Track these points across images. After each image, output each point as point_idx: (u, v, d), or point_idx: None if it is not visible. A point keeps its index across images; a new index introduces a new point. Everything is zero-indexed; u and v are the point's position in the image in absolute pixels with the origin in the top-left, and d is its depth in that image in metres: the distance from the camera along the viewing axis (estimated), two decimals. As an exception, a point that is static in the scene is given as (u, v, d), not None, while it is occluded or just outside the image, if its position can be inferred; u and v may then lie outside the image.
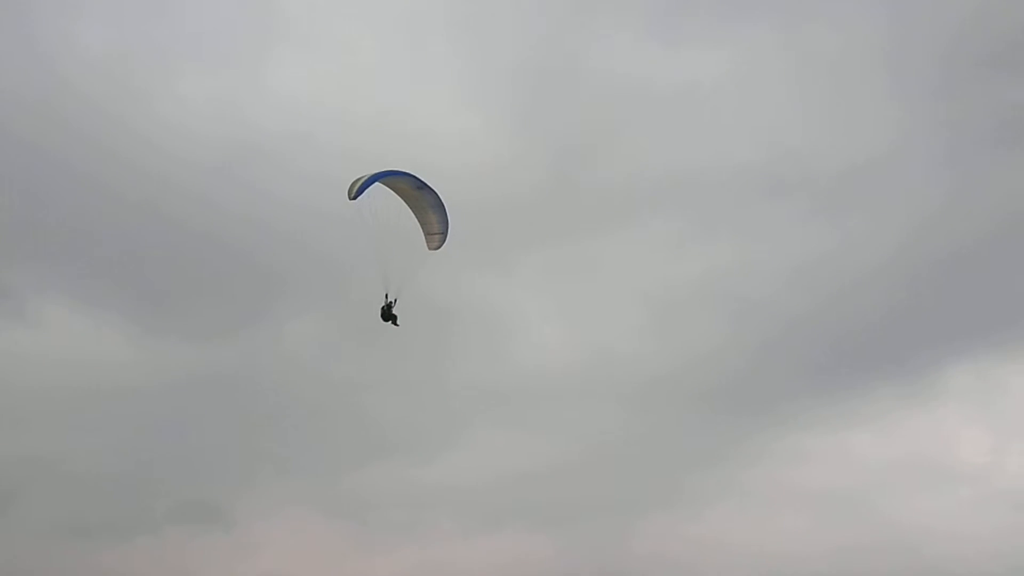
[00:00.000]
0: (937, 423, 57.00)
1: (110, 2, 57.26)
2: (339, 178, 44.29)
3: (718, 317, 60.14)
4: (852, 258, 59.80)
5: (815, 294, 58.82)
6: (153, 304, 56.19)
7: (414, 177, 40.56)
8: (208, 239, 54.86)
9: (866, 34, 63.52)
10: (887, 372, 57.30)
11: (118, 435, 53.89)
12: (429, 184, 41.34)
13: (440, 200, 42.29)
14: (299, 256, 56.01)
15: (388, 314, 42.10)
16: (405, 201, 42.16)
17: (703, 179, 60.12)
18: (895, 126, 61.19)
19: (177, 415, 55.25)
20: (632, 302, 60.22)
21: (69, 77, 52.34)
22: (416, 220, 43.41)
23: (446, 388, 59.10)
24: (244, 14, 61.26)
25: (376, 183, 40.05)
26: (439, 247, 44.12)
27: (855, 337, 57.89)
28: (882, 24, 63.67)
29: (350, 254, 50.20)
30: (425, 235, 43.97)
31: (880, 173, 60.37)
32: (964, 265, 58.07)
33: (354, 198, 38.64)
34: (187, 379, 56.03)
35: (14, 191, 52.26)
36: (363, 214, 39.29)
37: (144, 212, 54.52)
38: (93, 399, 54.00)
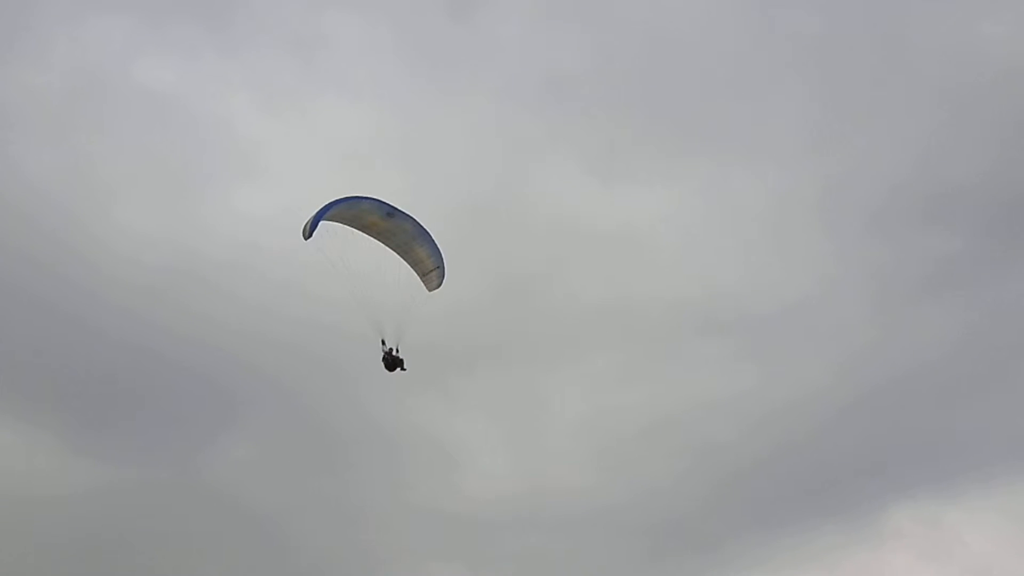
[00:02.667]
0: (882, 564, 57.26)
1: (50, 126, 56.70)
2: (280, 304, 52.69)
3: (662, 452, 59.98)
4: (789, 396, 59.94)
5: (756, 431, 59.06)
6: (86, 423, 54.06)
7: (377, 201, 34.14)
8: (143, 359, 53.72)
9: (801, 181, 65.11)
10: (832, 512, 57.76)
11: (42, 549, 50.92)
12: (401, 209, 34.63)
13: (422, 227, 35.61)
14: (240, 379, 55.12)
15: (393, 362, 35.18)
16: (382, 241, 35.65)
17: (643, 314, 60.95)
18: (827, 269, 62.87)
19: (104, 531, 52.19)
20: (575, 434, 59.96)
21: (6, 196, 52.16)
22: (404, 262, 36.58)
23: (388, 514, 57.18)
24: (187, 142, 60.08)
25: (334, 218, 33.88)
26: (440, 285, 37.11)
27: (800, 476, 58.41)
28: (818, 173, 65.06)
29: (292, 376, 53.28)
30: (420, 276, 37.11)
31: (814, 314, 61.50)
32: (904, 406, 59.69)
33: (308, 237, 32.38)
34: (116, 497, 53.37)
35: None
36: (327, 255, 32.90)
37: (79, 330, 53.00)
38: (22, 509, 51.67)
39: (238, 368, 55.28)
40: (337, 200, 33.46)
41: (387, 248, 36.24)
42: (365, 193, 33.57)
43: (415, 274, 37.33)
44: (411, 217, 35.56)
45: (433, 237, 36.41)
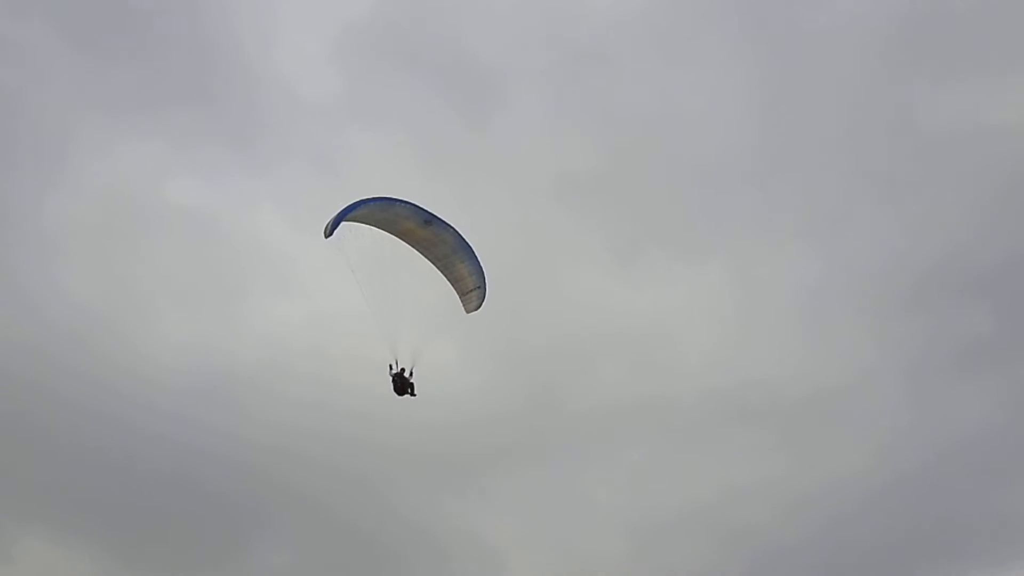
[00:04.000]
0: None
1: (92, 249, 59.99)
2: (313, 416, 53.21)
3: (698, 539, 59.08)
4: (823, 480, 59.20)
5: (791, 517, 58.14)
6: (131, 537, 54.87)
7: (413, 206, 30.66)
8: (187, 474, 54.39)
9: (828, 265, 64.32)
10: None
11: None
12: (440, 217, 31.16)
13: (463, 240, 32.00)
14: (276, 492, 55.71)
15: (403, 384, 31.44)
16: (419, 251, 32.13)
17: (675, 406, 60.89)
18: (858, 352, 62.22)
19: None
20: (613, 526, 59.55)
21: (52, 316, 54.87)
22: (444, 278, 32.99)
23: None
24: (219, 256, 62.26)
25: (365, 219, 30.64)
26: (480, 306, 33.38)
27: (835, 561, 57.13)
28: (844, 256, 64.42)
29: (327, 481, 53.70)
30: (459, 295, 33.41)
31: (847, 398, 60.63)
32: (942, 488, 57.98)
33: (329, 235, 29.17)
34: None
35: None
36: (347, 256, 29.62)
37: (127, 448, 54.48)
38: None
39: (273, 475, 55.93)
40: (367, 199, 30.14)
41: (424, 258, 32.78)
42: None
43: (455, 294, 33.83)
44: (451, 227, 31.99)
45: (475, 251, 32.81)
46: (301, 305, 61.27)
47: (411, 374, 32.31)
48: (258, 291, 62.41)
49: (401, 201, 30.74)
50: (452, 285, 33.45)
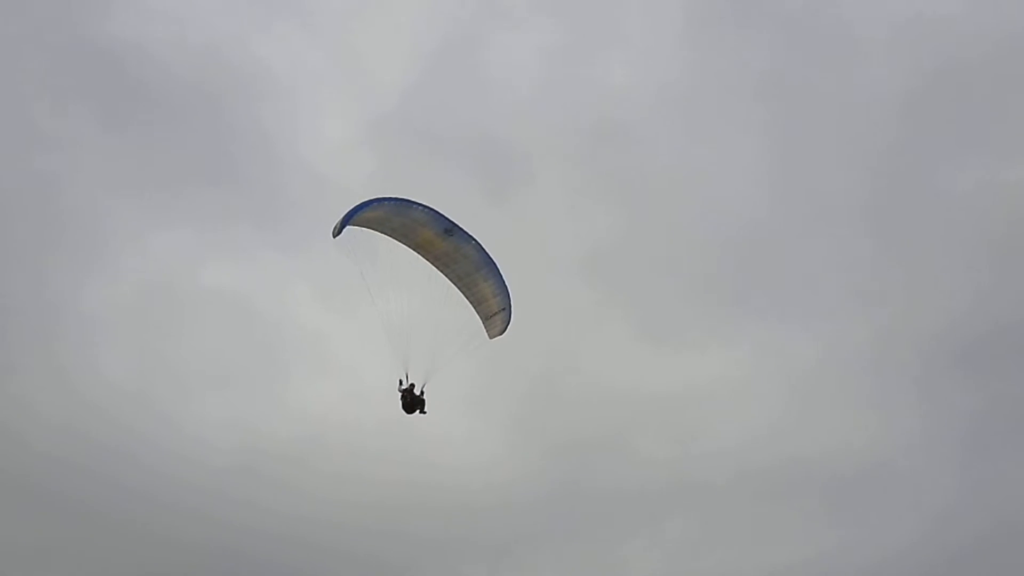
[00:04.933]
0: None
1: (129, 332, 60.79)
2: (349, 491, 53.17)
3: None
4: (870, 555, 56.38)
5: None
6: None
7: (433, 211, 28.04)
8: (228, 549, 54.41)
9: (873, 331, 62.92)
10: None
11: None
12: (461, 227, 28.49)
13: (486, 254, 29.21)
14: (316, 565, 54.95)
15: (413, 402, 28.18)
16: (439, 268, 29.34)
17: (713, 478, 59.37)
18: (904, 421, 60.43)
19: None
20: None
21: (92, 397, 56.08)
22: (464, 297, 30.02)
23: None
24: (253, 336, 62.90)
25: (378, 225, 28.02)
26: (504, 331, 30.23)
27: None
28: (891, 320, 62.83)
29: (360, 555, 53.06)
30: (481, 318, 30.31)
31: (895, 470, 59.32)
32: (998, 559, 54.34)
33: (337, 235, 26.57)
34: None
35: (47, 503, 53.66)
36: (356, 261, 26.94)
37: (168, 525, 54.34)
38: None
39: (312, 547, 55.39)
40: (382, 198, 27.61)
41: (443, 276, 29.87)
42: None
43: (476, 316, 30.71)
44: (473, 238, 29.23)
45: (499, 267, 29.87)
46: (336, 380, 61.60)
47: (422, 392, 28.97)
48: (293, 368, 62.70)
49: (419, 204, 28.16)
50: (474, 307, 30.42)
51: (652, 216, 66.89)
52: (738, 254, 65.04)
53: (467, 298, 30.27)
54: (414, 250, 29.19)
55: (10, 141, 62.03)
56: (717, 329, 64.26)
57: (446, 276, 29.91)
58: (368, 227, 28.35)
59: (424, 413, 29.14)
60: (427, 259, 29.45)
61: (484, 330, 30.70)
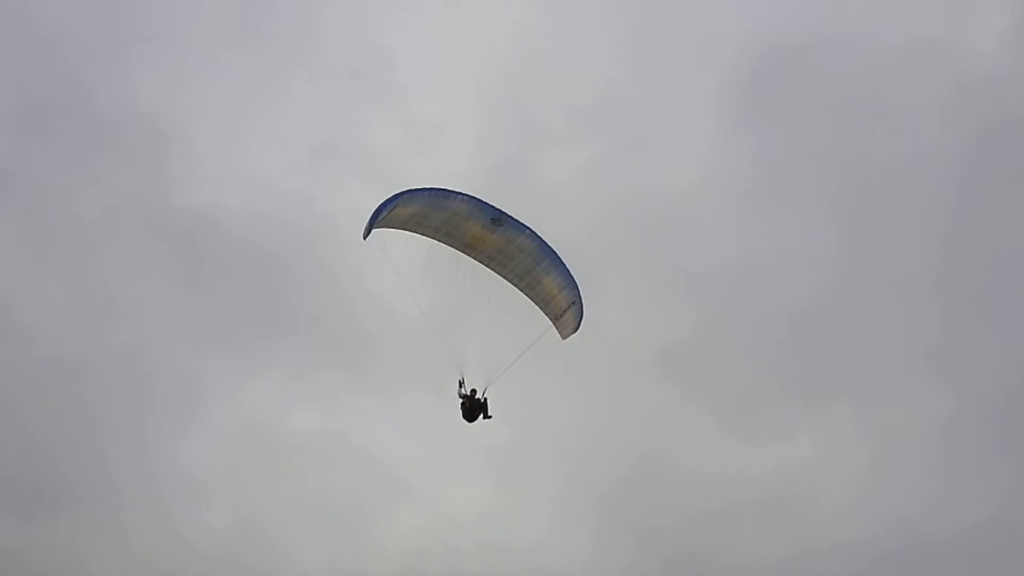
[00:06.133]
0: None
1: (228, 481, 62.63)
2: None
3: None
4: None
5: None
6: None
7: (476, 200, 25.27)
8: None
9: (961, 395, 61.28)
10: None
11: None
12: (511, 215, 25.61)
13: (545, 244, 26.11)
14: None
15: (474, 408, 24.68)
16: (493, 268, 26.32)
17: (822, 565, 57.10)
18: (1004, 483, 58.10)
19: None
20: None
21: (202, 547, 58.30)
22: (528, 297, 26.78)
23: None
24: (343, 476, 64.21)
25: (417, 225, 25.27)
26: (578, 327, 26.68)
27: None
28: (977, 382, 61.41)
29: None
30: (552, 319, 26.87)
31: (995, 532, 56.80)
32: None
33: (366, 236, 23.98)
34: None
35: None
36: (392, 258, 24.23)
37: None
38: None
39: None
40: (416, 189, 24.83)
41: (498, 277, 26.65)
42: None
43: (543, 315, 27.20)
44: (527, 227, 26.03)
45: (559, 256, 26.54)
46: (430, 510, 61.55)
47: (484, 397, 25.40)
48: (387, 503, 63.47)
49: (459, 194, 25.27)
50: (540, 308, 26.95)
51: (719, 306, 65.47)
52: (815, 330, 63.93)
53: (531, 299, 26.89)
54: (463, 251, 26.16)
55: (98, 312, 65.18)
56: (802, 410, 63.10)
57: (504, 277, 26.69)
58: (407, 229, 25.63)
59: (489, 418, 25.64)
60: (480, 260, 26.33)
61: (555, 331, 27.14)
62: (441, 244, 25.85)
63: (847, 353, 63.05)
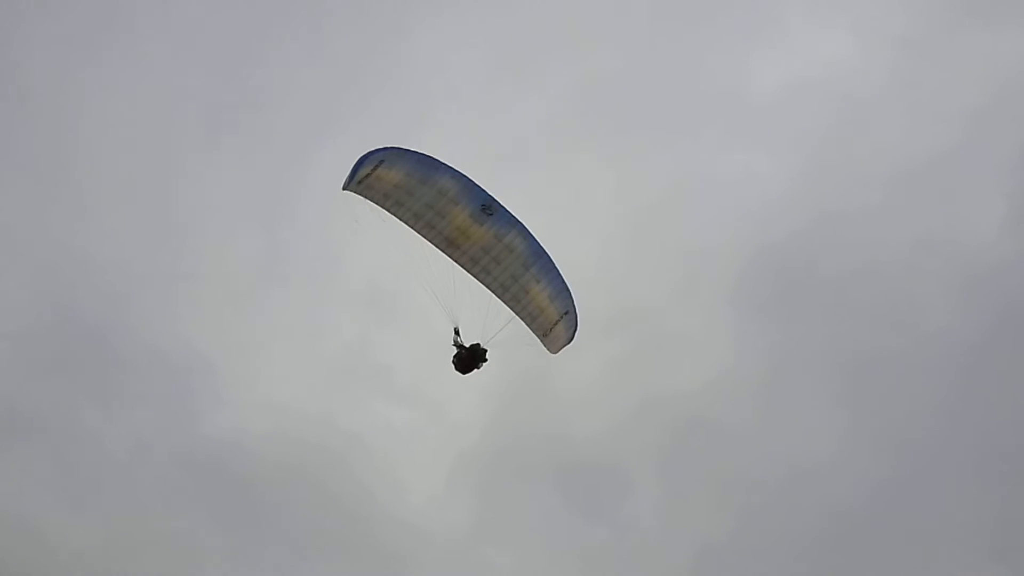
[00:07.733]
0: None
1: None
2: None
3: None
4: None
5: None
6: None
7: (467, 181, 22.65)
8: None
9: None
10: None
11: None
12: (503, 205, 22.94)
13: (537, 243, 23.18)
14: None
15: (471, 358, 20.48)
16: (475, 273, 23.17)
17: None
18: None
19: None
20: None
21: None
22: (512, 311, 23.31)
23: None
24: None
25: (395, 204, 22.48)
26: (572, 339, 23.08)
27: None
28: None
29: None
30: (539, 336, 23.26)
31: None
32: None
33: (346, 187, 21.02)
34: None
35: None
36: (379, 212, 21.17)
37: None
38: None
39: None
40: (402, 148, 21.96)
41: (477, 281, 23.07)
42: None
43: (532, 334, 23.35)
44: (518, 221, 23.08)
45: (552, 259, 23.32)
46: None
47: (484, 348, 21.33)
48: None
49: (449, 168, 22.45)
50: (526, 323, 23.25)
51: (754, 505, 63.77)
52: (850, 526, 61.21)
53: (516, 312, 23.25)
54: (444, 250, 22.81)
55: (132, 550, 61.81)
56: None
57: (487, 286, 23.18)
58: (387, 207, 22.41)
59: (485, 361, 21.17)
60: (462, 264, 22.95)
61: (543, 346, 23.25)
62: (421, 241, 22.58)
63: (886, 545, 59.64)
